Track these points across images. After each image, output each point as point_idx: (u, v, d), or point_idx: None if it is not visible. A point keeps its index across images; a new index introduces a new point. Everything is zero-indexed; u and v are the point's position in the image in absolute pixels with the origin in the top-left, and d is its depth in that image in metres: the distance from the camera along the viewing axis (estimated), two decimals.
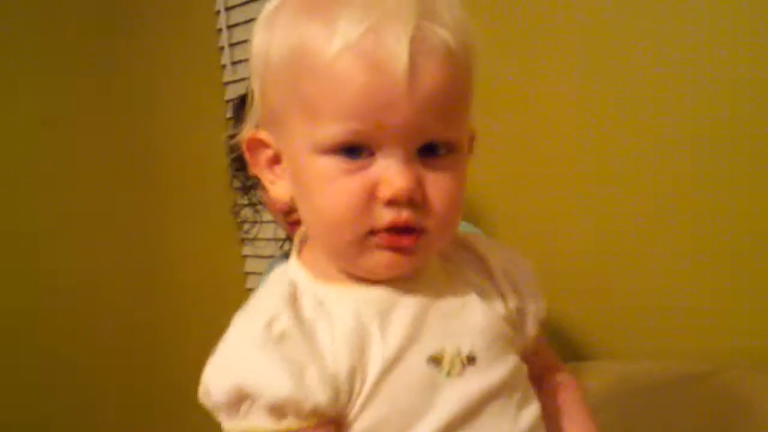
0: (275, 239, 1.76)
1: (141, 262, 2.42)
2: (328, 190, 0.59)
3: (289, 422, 0.58)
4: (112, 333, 2.32)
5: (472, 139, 0.66)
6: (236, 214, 1.41)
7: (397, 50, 0.55)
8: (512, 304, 0.69)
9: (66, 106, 2.24)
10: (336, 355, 0.59)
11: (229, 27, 2.14)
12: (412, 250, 0.60)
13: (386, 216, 0.58)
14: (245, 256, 2.23)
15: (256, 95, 0.66)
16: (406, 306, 0.63)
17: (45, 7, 2.18)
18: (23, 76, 2.14)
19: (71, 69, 2.25)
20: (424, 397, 0.60)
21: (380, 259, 0.60)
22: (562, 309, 1.44)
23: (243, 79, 2.03)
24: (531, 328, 0.71)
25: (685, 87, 1.30)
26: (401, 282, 0.64)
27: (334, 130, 0.57)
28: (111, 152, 2.36)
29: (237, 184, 1.32)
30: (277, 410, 0.57)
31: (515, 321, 0.69)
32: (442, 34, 0.57)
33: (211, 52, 2.19)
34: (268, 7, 0.64)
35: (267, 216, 1.32)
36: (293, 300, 0.62)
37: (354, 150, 0.58)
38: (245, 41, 2.09)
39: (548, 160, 1.50)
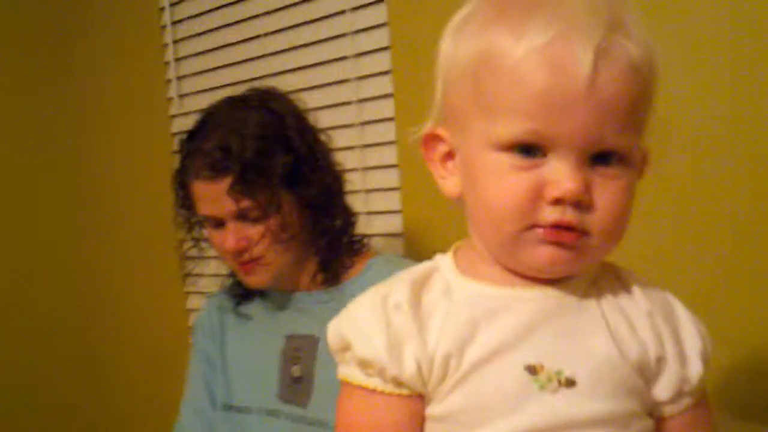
0: (218, 275, 1.74)
1: (80, 294, 2.37)
2: (498, 183, 0.61)
3: (376, 382, 0.64)
4: (49, 364, 2.26)
5: (644, 159, 0.66)
6: (179, 249, 1.39)
7: (582, 56, 0.56)
8: (652, 353, 0.65)
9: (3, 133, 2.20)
10: (439, 340, 0.63)
11: (177, 60, 2.13)
12: (574, 247, 0.61)
13: (551, 214, 0.59)
14: (187, 293, 2.19)
15: (438, 94, 0.68)
16: (521, 312, 0.64)
17: None
18: None
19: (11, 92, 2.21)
20: (510, 400, 0.62)
21: (543, 253, 0.61)
22: None
23: (190, 113, 2.01)
24: (666, 391, 0.66)
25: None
26: (536, 289, 0.65)
27: (511, 128, 0.59)
28: (53, 183, 2.32)
29: (180, 220, 1.31)
30: (366, 366, 0.64)
31: (649, 372, 0.66)
32: (628, 46, 0.59)
33: (158, 85, 2.17)
34: (458, 15, 0.67)
35: (211, 252, 1.30)
36: (421, 282, 0.67)
37: (528, 149, 0.59)
38: (193, 74, 2.10)
39: None
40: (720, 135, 1.25)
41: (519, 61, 0.58)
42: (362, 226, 1.35)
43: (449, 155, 0.68)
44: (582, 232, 0.60)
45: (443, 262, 0.70)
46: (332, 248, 1.25)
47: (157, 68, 2.17)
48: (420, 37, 1.55)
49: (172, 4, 2.12)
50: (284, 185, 1.18)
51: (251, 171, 1.15)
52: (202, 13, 2.04)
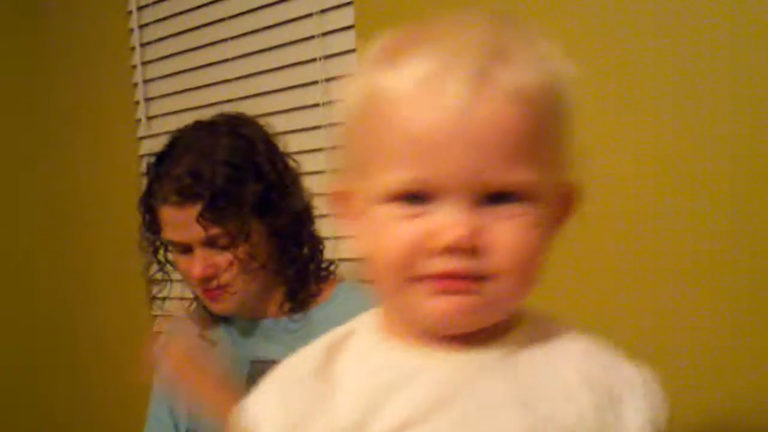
0: (184, 299, 1.72)
1: (44, 315, 2.34)
2: (382, 236, 0.56)
3: None
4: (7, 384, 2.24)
5: (569, 196, 0.61)
6: (145, 273, 1.38)
7: (454, 89, 0.53)
8: (589, 420, 0.56)
9: None
10: (345, 412, 0.58)
11: (146, 81, 2.12)
12: (470, 293, 0.55)
13: (438, 264, 0.54)
14: (154, 316, 2.15)
15: (342, 148, 0.63)
16: (431, 381, 0.58)
17: None
18: None
19: None
20: None
21: (434, 306, 0.55)
22: None
23: (158, 134, 2.00)
24: None
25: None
26: (452, 350, 0.59)
27: (392, 177, 0.55)
28: (18, 203, 2.30)
29: (146, 243, 1.29)
30: None
31: None
32: (512, 74, 0.54)
33: (126, 106, 2.16)
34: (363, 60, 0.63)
35: (177, 275, 1.29)
36: (338, 347, 0.63)
37: (414, 196, 0.55)
38: (161, 96, 2.09)
39: None
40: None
41: (396, 100, 0.55)
42: (330, 251, 1.34)
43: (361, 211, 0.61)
44: (479, 277, 0.55)
45: (365, 321, 0.65)
46: (300, 277, 1.25)
47: (125, 89, 2.16)
48: None
49: (141, 26, 2.11)
50: (254, 213, 1.17)
51: (222, 198, 1.14)
52: (170, 36, 2.04)
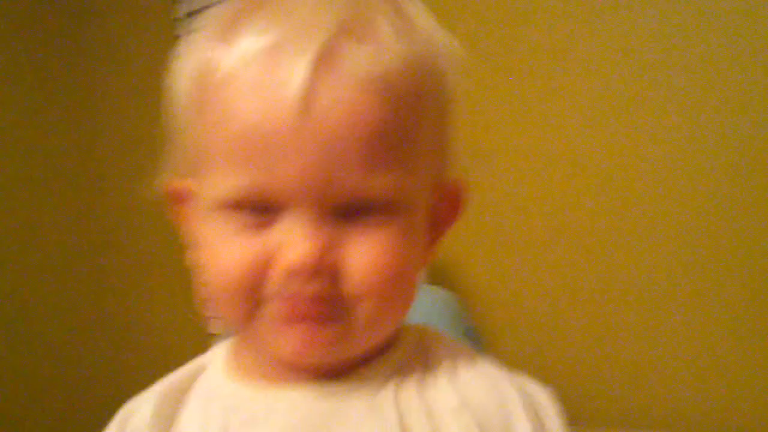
0: None
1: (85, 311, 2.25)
2: (219, 251, 0.47)
3: None
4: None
5: (452, 195, 0.53)
6: None
7: (292, 75, 0.42)
8: None
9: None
10: None
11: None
12: (332, 319, 0.46)
13: (287, 286, 0.46)
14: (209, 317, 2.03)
15: (171, 137, 0.53)
16: (283, 425, 0.48)
17: None
18: None
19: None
20: None
21: (291, 334, 0.47)
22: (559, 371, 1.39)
23: None
24: None
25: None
26: (308, 386, 0.50)
27: (224, 183, 0.46)
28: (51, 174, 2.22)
29: None
30: None
31: None
32: (366, 53, 0.44)
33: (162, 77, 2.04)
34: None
35: None
36: (182, 390, 0.54)
37: (254, 206, 0.46)
38: None
39: (537, 215, 1.46)
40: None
41: (226, 83, 0.45)
42: None
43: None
44: (336, 302, 0.46)
45: (215, 356, 0.56)
46: None
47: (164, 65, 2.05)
48: None
49: None
50: None
51: None
52: None
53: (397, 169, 0.46)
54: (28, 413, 2.06)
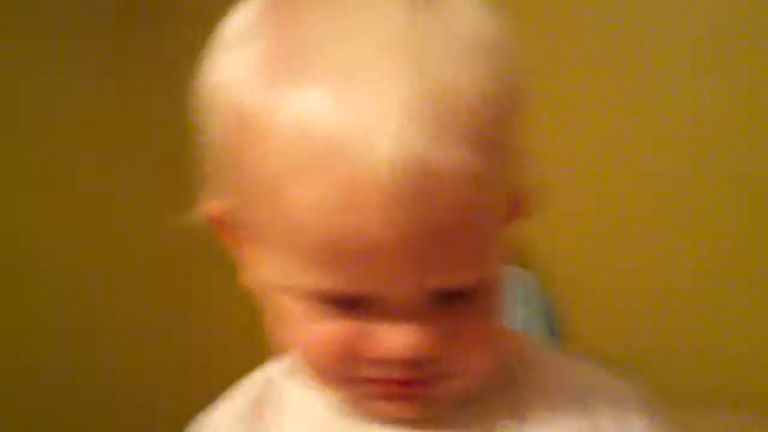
0: None
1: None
2: (305, 328, 0.41)
3: None
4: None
5: (519, 200, 0.45)
6: None
7: (381, 165, 0.34)
8: None
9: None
10: None
11: None
12: (422, 397, 0.43)
13: (377, 371, 0.41)
14: None
15: (207, 149, 0.43)
16: None
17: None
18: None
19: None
20: None
21: (383, 409, 0.44)
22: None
23: None
24: None
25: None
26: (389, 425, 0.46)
27: (305, 279, 0.39)
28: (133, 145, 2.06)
29: None
30: None
31: None
32: (459, 150, 0.35)
33: None
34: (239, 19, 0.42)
35: None
36: (255, 409, 0.51)
37: (336, 302, 0.40)
38: None
39: (618, 196, 1.45)
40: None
41: (282, 150, 0.36)
42: None
43: (251, 238, 0.43)
44: (431, 376, 0.42)
45: (277, 364, 0.52)
46: None
47: None
48: None
49: None
50: None
51: None
52: None
53: (484, 254, 0.41)
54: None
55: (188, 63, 0.42)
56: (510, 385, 0.48)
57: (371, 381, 0.42)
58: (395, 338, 0.40)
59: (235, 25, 0.42)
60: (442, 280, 0.39)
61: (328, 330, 0.40)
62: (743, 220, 1.32)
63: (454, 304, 0.40)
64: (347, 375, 0.42)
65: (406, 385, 0.42)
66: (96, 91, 2.15)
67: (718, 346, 1.36)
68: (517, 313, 1.28)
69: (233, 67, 0.40)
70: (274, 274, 0.41)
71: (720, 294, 1.36)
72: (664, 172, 1.39)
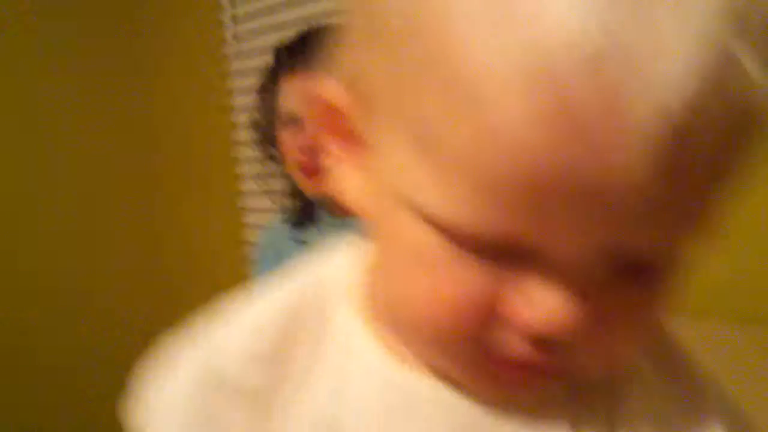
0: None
1: (137, 231, 2.41)
2: (427, 274, 0.33)
3: None
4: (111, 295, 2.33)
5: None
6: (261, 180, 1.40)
7: (665, 92, 0.25)
8: None
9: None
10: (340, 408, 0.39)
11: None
12: (548, 373, 0.35)
13: (513, 347, 0.33)
14: (245, 224, 2.21)
15: (347, 35, 0.35)
16: (452, 424, 0.38)
17: None
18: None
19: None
20: None
21: (496, 387, 0.36)
22: None
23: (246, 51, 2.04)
24: None
25: None
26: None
27: (471, 218, 0.30)
28: (110, 118, 2.37)
29: (254, 135, 1.32)
30: None
31: None
32: (753, 74, 0.27)
33: (216, 29, 2.18)
34: None
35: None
36: (294, 330, 0.41)
37: (495, 248, 0.31)
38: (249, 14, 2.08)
39: None
40: None
41: (505, 80, 0.26)
42: None
43: (356, 141, 0.36)
44: (563, 359, 0.34)
45: (338, 291, 0.42)
46: None
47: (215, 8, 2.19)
48: None
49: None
50: None
51: None
52: None
53: (709, 222, 0.31)
54: None
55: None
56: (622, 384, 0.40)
57: (488, 354, 0.34)
58: (555, 312, 0.31)
59: None
60: (658, 248, 0.31)
61: (461, 277, 0.32)
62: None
63: (624, 281, 0.32)
64: (464, 346, 0.34)
65: (536, 370, 0.34)
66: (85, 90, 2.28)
67: None
68: None
69: None
70: (414, 193, 0.32)
71: None
72: None
